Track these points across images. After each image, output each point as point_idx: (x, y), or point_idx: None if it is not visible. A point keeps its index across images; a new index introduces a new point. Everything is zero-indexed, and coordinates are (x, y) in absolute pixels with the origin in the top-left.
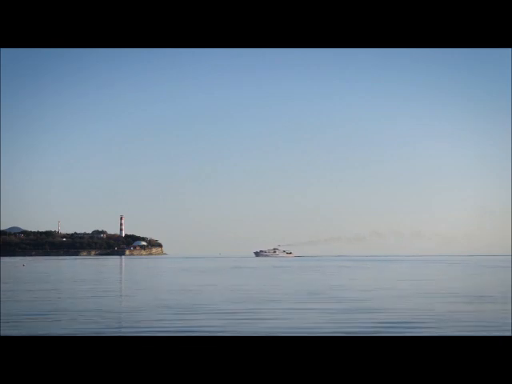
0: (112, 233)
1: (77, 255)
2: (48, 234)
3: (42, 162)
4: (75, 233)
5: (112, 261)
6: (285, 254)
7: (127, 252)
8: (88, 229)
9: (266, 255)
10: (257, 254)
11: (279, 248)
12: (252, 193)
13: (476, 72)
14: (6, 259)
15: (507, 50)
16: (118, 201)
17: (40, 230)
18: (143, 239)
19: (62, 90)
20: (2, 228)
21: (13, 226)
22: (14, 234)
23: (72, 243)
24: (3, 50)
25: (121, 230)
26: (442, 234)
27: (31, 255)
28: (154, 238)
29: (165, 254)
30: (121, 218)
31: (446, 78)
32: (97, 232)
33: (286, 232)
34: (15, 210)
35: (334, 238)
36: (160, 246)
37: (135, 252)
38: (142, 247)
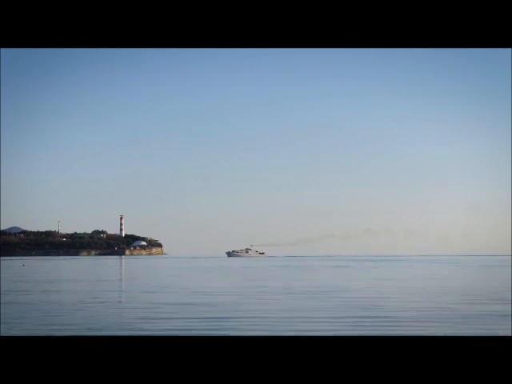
0: (112, 233)
1: (77, 255)
2: (48, 233)
3: (42, 162)
4: (75, 233)
5: (110, 261)
6: (257, 254)
7: (127, 252)
8: (88, 229)
9: (238, 255)
10: (229, 254)
11: (252, 248)
12: (252, 193)
13: (476, 72)
14: (6, 259)
15: (507, 50)
16: (118, 201)
17: (40, 230)
18: (143, 239)
19: (62, 90)
20: (2, 228)
21: (13, 225)
22: (14, 233)
23: (72, 243)
24: (3, 50)
25: (121, 230)
26: (438, 234)
27: (31, 255)
28: (154, 238)
29: (165, 254)
30: (121, 218)
31: (446, 78)
32: (97, 232)
33: (285, 231)
34: (15, 210)
35: (326, 236)
36: (160, 245)
37: (135, 252)
38: (142, 247)
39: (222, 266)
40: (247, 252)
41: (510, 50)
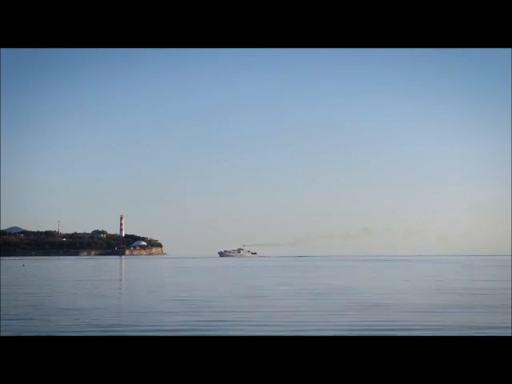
0: (112, 233)
1: (77, 255)
2: (48, 233)
3: (42, 162)
4: (75, 233)
5: (110, 261)
6: (249, 254)
7: (127, 252)
8: (88, 229)
9: (230, 255)
10: (221, 254)
11: (244, 248)
12: (252, 193)
13: (476, 72)
14: (5, 259)
15: (507, 50)
16: (118, 201)
17: (40, 230)
18: (143, 239)
19: (62, 90)
20: (2, 228)
21: (13, 225)
22: (14, 233)
23: (72, 243)
24: (3, 50)
25: (121, 229)
26: (438, 234)
27: (31, 255)
28: (154, 238)
29: (165, 254)
30: (121, 218)
31: (446, 78)
32: (97, 232)
33: (285, 231)
34: (15, 210)
35: (326, 236)
36: (160, 245)
37: (135, 252)
38: (142, 247)
39: (194, 268)
40: (239, 252)
41: (510, 49)
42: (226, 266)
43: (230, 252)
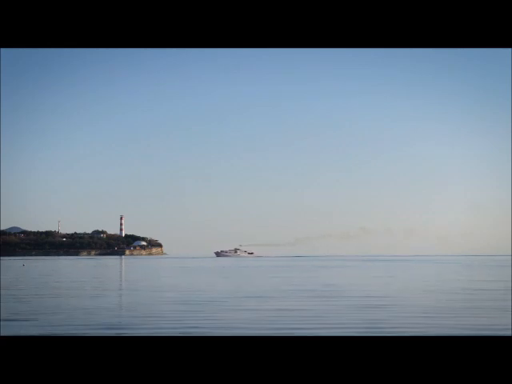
0: (112, 233)
1: (77, 255)
2: (48, 233)
3: (42, 162)
4: (75, 233)
5: (110, 261)
6: (246, 254)
7: (127, 252)
8: (88, 229)
9: (227, 255)
10: (218, 254)
11: (241, 248)
12: (252, 193)
13: (476, 72)
14: (5, 259)
15: (507, 50)
16: (118, 201)
17: (40, 230)
18: (143, 239)
19: (62, 90)
20: (2, 228)
21: (13, 225)
22: (14, 233)
23: (72, 243)
24: (3, 50)
25: (121, 229)
26: (438, 234)
27: (31, 255)
28: (154, 238)
29: (165, 254)
30: (121, 218)
31: (446, 78)
32: (97, 232)
33: (285, 231)
34: (15, 210)
35: (325, 236)
36: (160, 245)
37: (135, 252)
38: (142, 247)
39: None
40: (236, 252)
41: (510, 49)
42: (223, 265)
43: (226, 252)
